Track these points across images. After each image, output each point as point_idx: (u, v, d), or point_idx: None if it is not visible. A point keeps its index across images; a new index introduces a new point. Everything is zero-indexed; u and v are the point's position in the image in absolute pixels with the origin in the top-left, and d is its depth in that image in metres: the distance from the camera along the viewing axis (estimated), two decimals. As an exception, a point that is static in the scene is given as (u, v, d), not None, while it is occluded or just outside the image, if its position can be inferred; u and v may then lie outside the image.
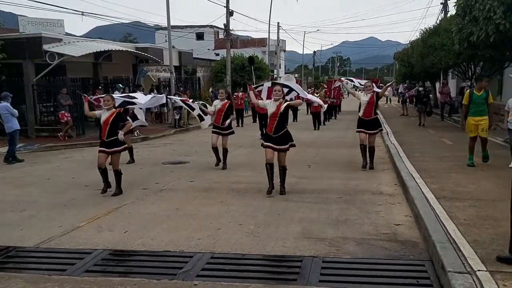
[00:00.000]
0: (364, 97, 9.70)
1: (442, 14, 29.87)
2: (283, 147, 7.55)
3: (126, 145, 8.44)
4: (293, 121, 23.49)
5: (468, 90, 9.46)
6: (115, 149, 7.88)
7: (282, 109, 7.42)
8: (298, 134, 17.56)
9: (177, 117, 20.57)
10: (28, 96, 16.95)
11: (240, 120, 21.29)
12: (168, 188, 8.43)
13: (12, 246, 5.38)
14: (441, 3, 30.73)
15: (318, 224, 5.93)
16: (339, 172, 9.51)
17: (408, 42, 34.89)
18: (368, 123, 9.66)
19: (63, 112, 16.08)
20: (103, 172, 7.90)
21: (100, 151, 7.87)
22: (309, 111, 24.77)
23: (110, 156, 7.91)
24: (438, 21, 25.86)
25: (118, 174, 7.97)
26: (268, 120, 7.67)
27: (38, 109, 17.62)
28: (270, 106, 7.57)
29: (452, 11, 24.33)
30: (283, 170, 7.65)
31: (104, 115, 7.95)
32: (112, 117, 7.87)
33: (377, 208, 6.67)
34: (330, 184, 8.36)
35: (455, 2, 13.93)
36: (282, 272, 4.50)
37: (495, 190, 7.00)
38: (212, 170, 10.11)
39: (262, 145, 7.70)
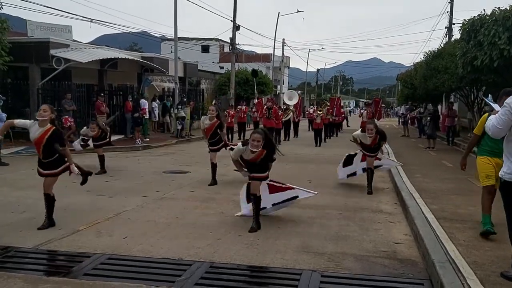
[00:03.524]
0: (366, 141, 9.12)
1: (446, 38, 30.17)
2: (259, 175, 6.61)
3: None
4: (295, 137, 23.62)
5: (486, 115, 5.68)
6: (50, 171, 6.31)
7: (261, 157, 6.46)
8: (299, 150, 17.66)
9: (179, 127, 20.66)
10: (33, 100, 17.05)
11: (242, 134, 21.35)
12: (168, 197, 8.45)
13: (12, 246, 5.39)
14: (446, 27, 31.12)
15: (318, 238, 5.93)
16: (339, 189, 9.52)
17: (411, 64, 35.18)
18: (369, 149, 9.26)
19: (67, 117, 16.13)
20: (47, 199, 6.36)
21: (39, 173, 6.43)
22: (310, 128, 24.88)
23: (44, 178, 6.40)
24: (442, 45, 26.10)
25: (49, 200, 6.36)
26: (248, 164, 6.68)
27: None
28: (247, 154, 6.51)
29: (456, 35, 24.63)
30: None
31: (35, 130, 6.20)
32: (46, 136, 6.13)
33: (377, 226, 6.68)
34: (330, 200, 8.37)
35: (460, 26, 14.12)
36: (281, 285, 4.49)
37: (495, 213, 6.97)
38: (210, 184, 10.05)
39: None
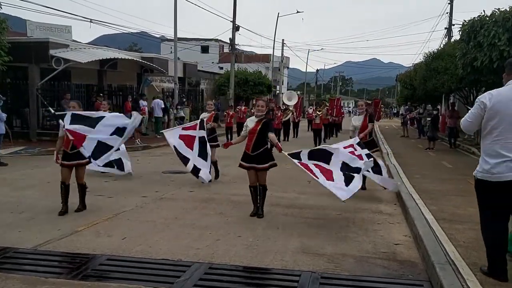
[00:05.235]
0: (356, 122, 9.22)
1: (446, 39, 30.18)
2: (262, 166, 6.96)
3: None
4: (294, 137, 23.59)
5: None
6: (79, 161, 7.01)
7: (260, 126, 6.89)
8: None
9: (178, 127, 20.70)
10: (32, 100, 17.04)
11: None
12: (167, 197, 8.43)
13: (10, 247, 5.36)
14: (445, 28, 31.08)
15: (317, 240, 5.92)
16: (339, 190, 9.47)
17: (411, 64, 35.19)
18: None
19: (66, 117, 16.10)
20: (66, 188, 7.02)
21: (63, 165, 6.98)
22: (310, 128, 24.87)
23: (74, 169, 7.08)
24: (441, 46, 26.09)
25: (83, 189, 7.25)
26: (247, 137, 7.08)
27: (41, 113, 17.68)
28: (250, 122, 7.08)
29: (456, 36, 24.60)
30: (263, 190, 7.14)
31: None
32: None
33: (377, 227, 6.66)
34: (329, 201, 8.32)
35: (460, 27, 14.12)
36: (280, 286, 4.47)
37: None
38: (212, 181, 10.09)
39: (240, 165, 7.13)
